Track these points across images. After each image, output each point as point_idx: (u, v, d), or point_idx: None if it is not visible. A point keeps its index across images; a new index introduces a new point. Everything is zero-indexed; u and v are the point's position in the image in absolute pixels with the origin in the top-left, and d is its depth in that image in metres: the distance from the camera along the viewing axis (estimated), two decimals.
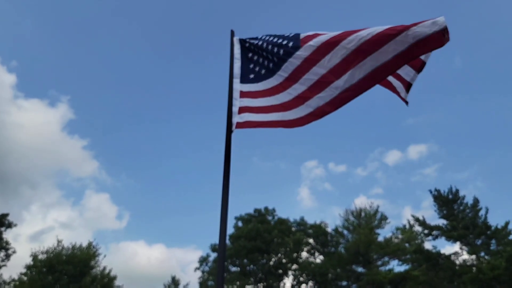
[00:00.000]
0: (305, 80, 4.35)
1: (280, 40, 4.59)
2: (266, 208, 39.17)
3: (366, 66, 3.89)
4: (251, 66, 4.81)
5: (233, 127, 4.26)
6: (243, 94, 4.57)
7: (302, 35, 4.51)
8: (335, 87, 4.12)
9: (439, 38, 3.43)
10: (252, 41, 4.92)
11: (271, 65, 4.67)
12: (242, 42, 5.00)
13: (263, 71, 4.73)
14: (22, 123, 64.33)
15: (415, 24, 3.55)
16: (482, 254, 28.74)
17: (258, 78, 4.70)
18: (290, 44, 4.45)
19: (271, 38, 4.72)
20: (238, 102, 4.46)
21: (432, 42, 3.49)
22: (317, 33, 4.40)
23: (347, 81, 4.03)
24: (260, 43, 4.79)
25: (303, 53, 4.35)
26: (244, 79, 4.70)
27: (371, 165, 68.44)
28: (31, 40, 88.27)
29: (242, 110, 4.43)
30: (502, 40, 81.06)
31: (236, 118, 4.34)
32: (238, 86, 4.59)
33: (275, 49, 4.59)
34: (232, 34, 4.95)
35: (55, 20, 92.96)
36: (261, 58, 4.80)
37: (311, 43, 4.29)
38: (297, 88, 4.42)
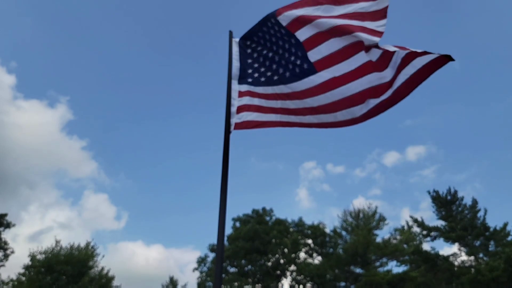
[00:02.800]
0: (315, 100, 4.37)
1: (293, 58, 4.55)
2: (263, 209, 39.18)
3: (384, 94, 3.91)
4: (250, 71, 4.81)
5: (232, 128, 4.27)
6: (241, 94, 4.58)
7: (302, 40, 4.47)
8: (351, 111, 4.17)
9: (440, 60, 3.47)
10: (256, 46, 4.92)
11: (275, 77, 4.68)
12: (243, 45, 5.00)
13: (262, 79, 4.74)
14: (21, 123, 64.32)
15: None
16: (481, 255, 28.76)
17: (257, 83, 4.71)
18: (305, 65, 4.41)
19: (280, 50, 4.70)
20: (236, 102, 4.47)
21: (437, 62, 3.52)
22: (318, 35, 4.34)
23: (362, 108, 4.09)
24: (270, 54, 4.78)
25: (317, 79, 4.33)
26: (242, 81, 4.71)
27: (369, 166, 68.54)
28: (31, 41, 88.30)
29: (240, 109, 4.44)
30: (500, 42, 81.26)
31: (235, 119, 4.35)
32: (236, 87, 4.60)
33: (290, 66, 4.58)
34: (231, 35, 4.95)
35: (54, 21, 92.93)
36: (262, 67, 4.81)
37: (328, 71, 4.23)
38: (306, 102, 4.44)
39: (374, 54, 3.84)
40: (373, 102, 3.96)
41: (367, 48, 3.85)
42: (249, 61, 4.88)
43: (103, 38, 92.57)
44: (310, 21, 4.29)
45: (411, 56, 3.51)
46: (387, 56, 3.75)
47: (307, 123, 4.43)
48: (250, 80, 4.71)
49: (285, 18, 4.48)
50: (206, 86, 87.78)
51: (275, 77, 4.66)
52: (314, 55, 4.31)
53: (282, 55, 4.65)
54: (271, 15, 4.64)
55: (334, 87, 4.21)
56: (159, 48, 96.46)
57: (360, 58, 3.95)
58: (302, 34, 4.36)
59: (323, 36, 4.19)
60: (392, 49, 3.64)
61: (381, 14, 4.03)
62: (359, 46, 3.94)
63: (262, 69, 4.79)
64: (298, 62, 4.46)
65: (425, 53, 3.42)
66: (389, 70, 3.77)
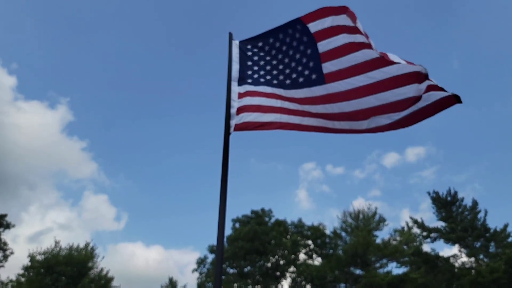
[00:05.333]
0: (313, 108, 4.43)
1: (300, 68, 4.59)
2: (262, 209, 39.13)
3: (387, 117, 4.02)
4: (249, 72, 4.82)
5: (231, 129, 4.27)
6: (241, 95, 4.58)
7: (320, 50, 4.49)
8: (350, 124, 4.25)
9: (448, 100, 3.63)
10: (258, 51, 4.93)
11: (274, 81, 4.71)
12: (244, 48, 4.99)
13: (262, 80, 4.75)
14: (21, 124, 64.22)
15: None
16: (481, 256, 28.72)
17: (257, 83, 4.72)
18: (313, 76, 4.46)
19: (287, 60, 4.73)
20: (236, 104, 4.48)
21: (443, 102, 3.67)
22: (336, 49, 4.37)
23: (362, 125, 4.16)
24: (273, 61, 4.80)
25: (321, 90, 4.39)
26: (242, 82, 4.71)
27: (369, 167, 68.51)
28: (31, 42, 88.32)
29: (240, 110, 4.45)
30: (500, 43, 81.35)
31: (235, 120, 4.35)
32: (236, 88, 4.60)
33: (294, 75, 4.61)
34: (231, 36, 4.94)
35: (54, 23, 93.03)
36: (262, 71, 4.83)
37: (337, 83, 4.28)
38: (304, 107, 4.49)
39: (399, 69, 3.87)
40: (376, 122, 4.04)
41: (390, 62, 3.89)
42: (249, 63, 4.89)
43: (103, 40, 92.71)
44: (340, 32, 4.30)
45: (428, 89, 3.63)
46: (411, 75, 3.79)
47: (305, 125, 4.45)
48: (249, 80, 4.73)
49: (315, 26, 4.49)
50: (205, 86, 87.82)
51: (274, 81, 4.70)
52: (330, 66, 4.34)
53: (287, 64, 4.70)
54: (295, 22, 4.65)
55: (334, 101, 4.28)
56: (159, 49, 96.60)
57: (376, 75, 4.01)
58: (326, 45, 4.40)
59: (347, 48, 4.23)
60: (416, 68, 3.70)
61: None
62: (378, 62, 3.99)
63: (262, 72, 4.82)
64: (306, 72, 4.51)
65: (439, 88, 3.55)
66: (411, 89, 3.81)
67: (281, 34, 4.79)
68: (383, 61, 3.92)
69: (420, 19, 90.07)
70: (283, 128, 4.48)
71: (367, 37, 4.04)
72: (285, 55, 4.74)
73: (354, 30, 4.11)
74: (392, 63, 3.86)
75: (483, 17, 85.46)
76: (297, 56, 4.62)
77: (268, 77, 4.75)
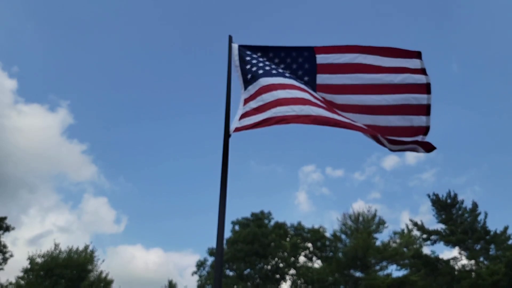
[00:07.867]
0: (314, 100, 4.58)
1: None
2: (262, 212, 39.07)
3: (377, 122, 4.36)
4: (248, 67, 4.82)
5: (231, 132, 4.28)
6: (246, 101, 4.58)
7: (318, 60, 4.62)
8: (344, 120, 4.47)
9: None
10: (255, 60, 4.97)
11: (273, 71, 4.78)
12: (242, 52, 4.98)
13: (260, 71, 4.75)
14: (22, 127, 64.15)
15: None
16: (481, 259, 28.70)
17: (257, 76, 4.70)
18: (305, 96, 4.62)
19: (285, 72, 4.83)
20: (240, 111, 4.47)
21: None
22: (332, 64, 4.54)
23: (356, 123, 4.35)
24: (270, 68, 4.88)
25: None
26: (246, 84, 4.68)
27: (368, 169, 68.43)
28: (32, 45, 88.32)
29: (243, 116, 4.45)
30: (500, 44, 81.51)
31: (236, 124, 4.35)
32: (242, 96, 4.58)
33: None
34: (230, 39, 4.96)
35: (55, 26, 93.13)
36: (261, 64, 4.83)
37: (327, 113, 4.47)
38: (304, 95, 4.57)
39: (388, 121, 4.31)
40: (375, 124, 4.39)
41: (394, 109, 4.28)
42: (247, 58, 4.92)
43: (103, 43, 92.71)
44: (346, 72, 4.48)
45: (413, 142, 4.11)
46: (401, 129, 4.30)
47: (303, 116, 4.37)
48: (249, 76, 4.68)
49: (324, 58, 4.63)
50: (205, 88, 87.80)
51: (274, 72, 4.72)
52: (324, 96, 4.54)
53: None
54: (304, 48, 4.75)
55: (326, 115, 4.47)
56: (159, 51, 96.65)
57: (361, 119, 4.32)
58: (325, 79, 4.54)
59: (348, 89, 4.43)
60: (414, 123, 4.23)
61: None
62: (372, 109, 4.30)
63: (261, 65, 4.83)
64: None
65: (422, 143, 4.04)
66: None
67: (283, 53, 4.83)
68: (377, 109, 4.30)
69: (420, 22, 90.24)
70: (280, 123, 4.43)
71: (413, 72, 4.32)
72: (281, 70, 4.80)
73: (383, 70, 4.39)
74: (387, 113, 4.28)
75: (483, 20, 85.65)
76: (293, 78, 4.70)
77: (267, 68, 4.75)
